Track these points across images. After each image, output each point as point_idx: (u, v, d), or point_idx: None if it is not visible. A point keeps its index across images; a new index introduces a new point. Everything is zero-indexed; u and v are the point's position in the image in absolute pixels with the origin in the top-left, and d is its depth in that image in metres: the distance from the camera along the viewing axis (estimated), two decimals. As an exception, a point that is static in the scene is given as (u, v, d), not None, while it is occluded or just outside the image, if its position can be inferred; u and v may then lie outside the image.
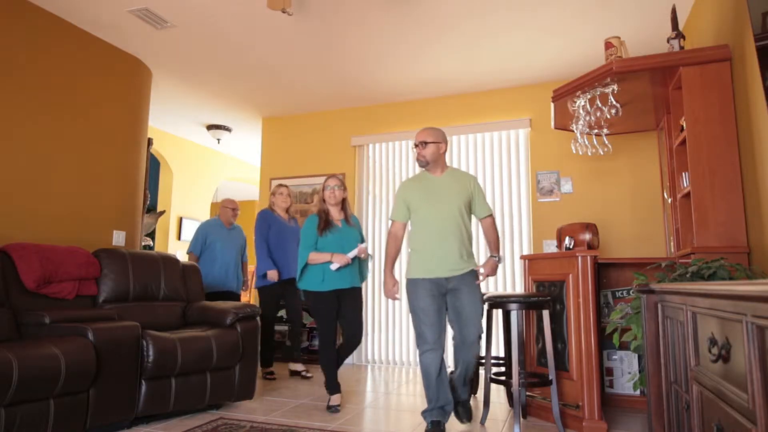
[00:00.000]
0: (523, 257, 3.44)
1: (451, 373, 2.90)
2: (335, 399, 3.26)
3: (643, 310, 2.04)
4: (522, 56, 4.30)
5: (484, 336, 2.87)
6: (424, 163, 2.86)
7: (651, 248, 4.25)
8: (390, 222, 2.96)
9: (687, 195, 2.91)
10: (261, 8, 3.52)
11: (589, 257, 2.90)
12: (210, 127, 6.28)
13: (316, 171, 5.56)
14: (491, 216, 2.94)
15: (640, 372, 3.32)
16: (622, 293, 3.52)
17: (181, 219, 6.77)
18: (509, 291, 4.66)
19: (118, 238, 4.11)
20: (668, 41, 3.00)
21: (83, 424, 2.49)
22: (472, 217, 2.94)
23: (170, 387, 2.90)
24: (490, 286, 4.75)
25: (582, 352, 2.85)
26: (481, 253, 4.67)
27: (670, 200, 3.67)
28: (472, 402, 3.29)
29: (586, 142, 3.69)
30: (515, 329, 2.82)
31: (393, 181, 5.36)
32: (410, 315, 2.82)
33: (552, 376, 2.84)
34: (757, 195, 2.44)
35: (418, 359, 2.78)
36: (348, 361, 4.78)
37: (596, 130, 3.58)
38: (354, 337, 3.38)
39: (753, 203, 2.50)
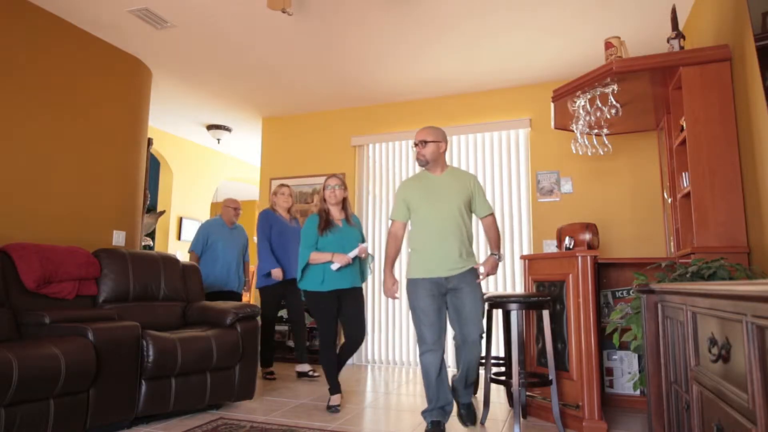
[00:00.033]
0: (523, 257, 3.44)
1: (453, 375, 2.90)
2: (335, 399, 3.26)
3: (643, 310, 2.04)
4: (522, 56, 4.30)
5: (484, 336, 2.86)
6: (424, 162, 2.86)
7: (651, 248, 4.25)
8: (390, 222, 2.96)
9: (687, 195, 2.91)
10: (261, 8, 3.52)
11: (589, 257, 2.90)
12: (210, 127, 6.28)
13: (316, 171, 5.56)
14: (492, 215, 2.94)
15: (640, 372, 3.32)
16: (622, 293, 3.51)
17: (181, 219, 6.77)
18: (509, 291, 4.66)
19: (118, 238, 4.11)
20: (668, 41, 3.00)
21: (83, 424, 2.49)
22: (473, 216, 2.94)
23: (170, 387, 2.90)
24: (490, 286, 4.75)
25: (582, 352, 2.85)
26: (481, 252, 4.67)
27: (670, 200, 3.67)
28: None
29: (586, 142, 3.69)
30: (515, 329, 2.82)
31: (393, 181, 5.36)
32: (410, 315, 2.82)
33: (552, 376, 2.84)
34: (757, 195, 2.44)
35: (418, 359, 2.78)
36: (348, 361, 4.79)
37: (596, 130, 3.58)
38: (356, 336, 3.37)
39: (753, 203, 2.50)
